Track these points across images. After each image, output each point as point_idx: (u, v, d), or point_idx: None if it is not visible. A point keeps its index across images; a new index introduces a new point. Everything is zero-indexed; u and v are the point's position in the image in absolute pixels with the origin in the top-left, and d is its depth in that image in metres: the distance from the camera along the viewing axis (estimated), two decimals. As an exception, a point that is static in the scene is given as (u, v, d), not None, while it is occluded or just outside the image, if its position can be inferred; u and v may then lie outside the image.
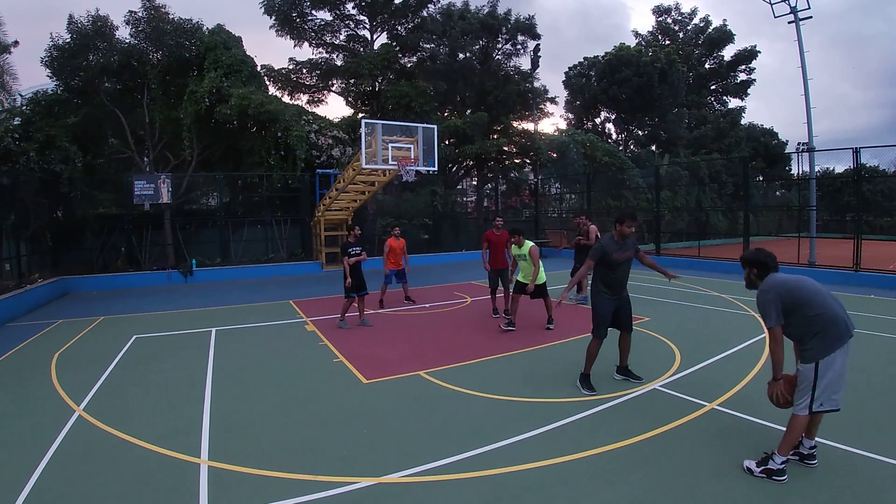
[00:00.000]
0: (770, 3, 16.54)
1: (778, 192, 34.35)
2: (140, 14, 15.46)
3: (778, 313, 3.10)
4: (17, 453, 3.73)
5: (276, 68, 22.59)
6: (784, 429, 3.24)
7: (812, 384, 3.08)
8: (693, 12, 36.25)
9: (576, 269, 9.74)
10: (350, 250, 7.58)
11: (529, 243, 7.03)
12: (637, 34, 37.40)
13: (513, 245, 7.23)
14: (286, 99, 21.79)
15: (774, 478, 3.12)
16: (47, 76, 15.10)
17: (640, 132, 32.39)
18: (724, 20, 39.10)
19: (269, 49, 75.56)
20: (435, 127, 12.28)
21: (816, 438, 3.37)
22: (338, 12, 22.66)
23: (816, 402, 3.08)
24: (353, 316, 8.08)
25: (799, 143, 22.94)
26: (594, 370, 4.91)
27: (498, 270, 8.18)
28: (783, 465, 3.13)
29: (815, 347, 3.07)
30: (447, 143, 20.64)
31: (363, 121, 11.54)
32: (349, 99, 23.35)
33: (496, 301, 8.49)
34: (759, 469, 3.18)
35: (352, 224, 9.07)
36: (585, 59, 31.65)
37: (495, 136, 23.09)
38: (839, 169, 26.47)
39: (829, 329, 3.04)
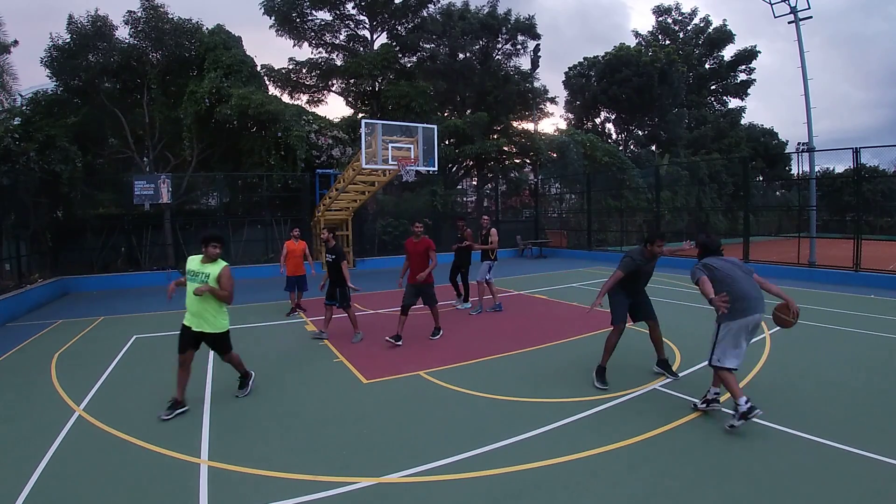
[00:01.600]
0: (770, 3, 16.54)
1: (778, 192, 34.35)
2: (139, 14, 15.46)
3: (702, 275, 3.96)
4: (18, 453, 3.73)
5: (276, 68, 22.60)
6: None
7: (714, 340, 3.98)
8: (693, 12, 36.32)
9: (456, 272, 9.24)
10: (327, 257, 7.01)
11: (222, 262, 4.60)
12: (637, 34, 37.46)
13: (194, 259, 4.66)
14: (286, 99, 21.81)
15: (751, 416, 3.62)
16: (47, 76, 15.11)
17: (640, 132, 32.40)
18: (724, 20, 39.18)
19: (269, 49, 75.60)
20: (435, 127, 12.29)
21: (816, 438, 3.49)
22: (338, 12, 22.65)
23: (714, 357, 3.95)
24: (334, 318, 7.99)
25: (799, 143, 22.89)
26: (591, 369, 4.92)
27: (414, 285, 6.72)
28: (748, 404, 3.65)
29: (721, 313, 3.87)
30: (447, 143, 20.63)
31: (363, 121, 11.55)
32: (349, 99, 23.35)
33: (403, 325, 6.79)
34: (738, 419, 3.66)
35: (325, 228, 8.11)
36: (585, 59, 31.66)
37: (495, 136, 23.09)
38: (839, 169, 26.55)
39: (734, 304, 3.79)
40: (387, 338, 6.63)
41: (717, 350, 3.93)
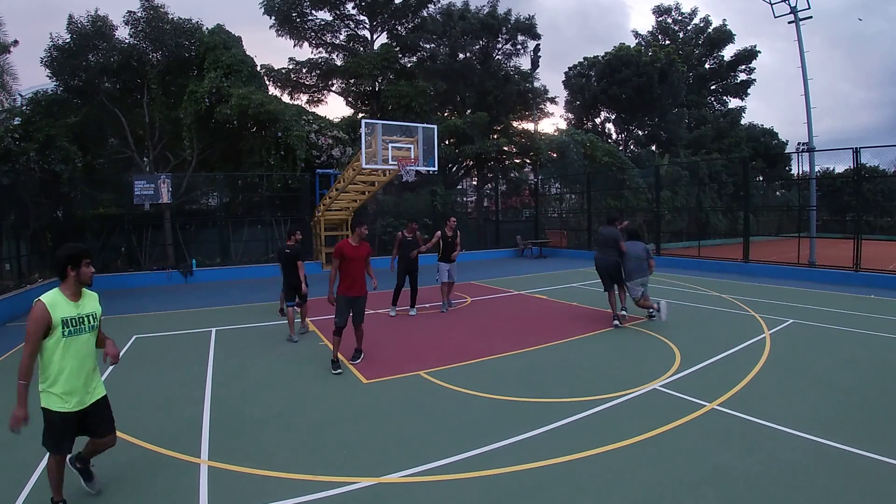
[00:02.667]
0: (770, 3, 16.54)
1: (778, 192, 34.34)
2: (139, 14, 15.47)
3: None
4: (18, 453, 3.74)
5: (276, 68, 22.59)
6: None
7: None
8: (693, 12, 36.29)
9: (404, 277, 8.85)
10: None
11: (91, 291, 3.04)
12: (637, 34, 37.45)
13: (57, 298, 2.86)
14: (286, 99, 21.81)
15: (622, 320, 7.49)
16: (47, 76, 15.11)
17: (640, 132, 32.38)
18: (724, 20, 39.11)
19: (269, 49, 75.48)
20: (435, 127, 12.28)
21: (816, 438, 3.45)
22: (338, 12, 22.65)
23: (632, 295, 7.60)
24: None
25: (799, 143, 22.96)
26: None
27: (353, 299, 5.63)
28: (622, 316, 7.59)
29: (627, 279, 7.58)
30: (447, 143, 20.63)
31: (363, 121, 11.55)
32: (349, 99, 23.35)
33: (340, 346, 5.70)
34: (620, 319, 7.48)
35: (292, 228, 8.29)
36: (585, 59, 31.65)
37: (495, 136, 23.09)
38: (839, 169, 26.43)
39: (629, 274, 7.49)
40: (334, 371, 5.53)
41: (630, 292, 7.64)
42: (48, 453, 2.94)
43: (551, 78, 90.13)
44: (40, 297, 2.79)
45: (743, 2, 67.58)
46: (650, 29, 37.55)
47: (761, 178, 33.49)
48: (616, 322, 7.41)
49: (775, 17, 16.71)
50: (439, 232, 9.13)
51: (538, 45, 24.19)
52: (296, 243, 7.57)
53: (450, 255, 8.92)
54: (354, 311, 5.72)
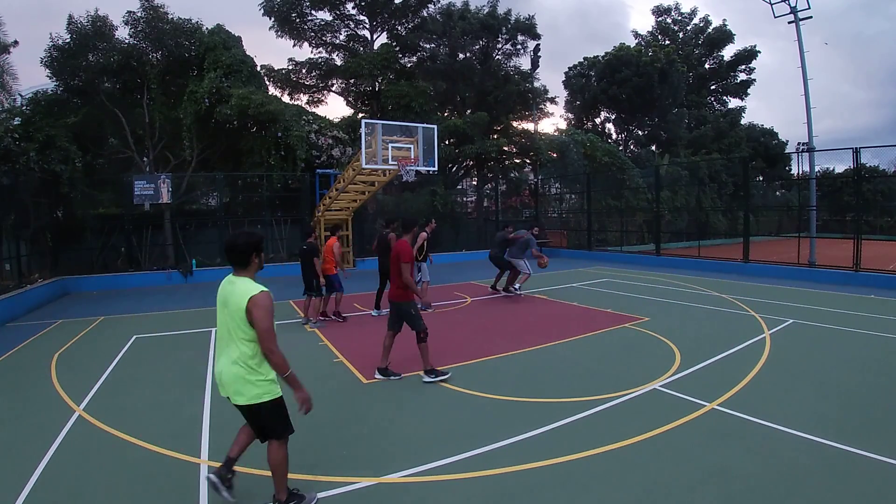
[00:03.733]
0: (770, 3, 16.55)
1: (778, 192, 34.33)
2: (139, 14, 15.46)
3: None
4: (18, 453, 3.73)
5: (275, 68, 22.54)
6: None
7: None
8: (693, 12, 36.28)
9: (377, 285, 8.92)
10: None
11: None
12: (637, 34, 37.41)
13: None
14: (286, 99, 21.77)
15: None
16: (47, 76, 15.09)
17: (640, 132, 32.37)
18: (724, 20, 39.09)
19: (269, 49, 75.62)
20: (435, 127, 12.27)
21: (816, 438, 3.45)
22: (337, 12, 22.62)
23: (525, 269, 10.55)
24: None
25: (799, 143, 22.92)
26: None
27: (399, 304, 5.34)
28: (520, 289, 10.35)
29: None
30: (447, 143, 20.61)
31: (363, 121, 11.54)
32: (349, 99, 23.33)
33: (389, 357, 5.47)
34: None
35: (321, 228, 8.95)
36: (585, 59, 31.65)
37: (495, 136, 23.07)
38: (839, 169, 26.37)
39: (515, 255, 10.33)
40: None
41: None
42: (279, 446, 3.05)
43: (551, 78, 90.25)
44: (260, 288, 2.73)
45: (743, 2, 67.70)
46: (650, 29, 37.57)
47: (761, 178, 33.46)
48: (513, 291, 10.50)
49: (775, 17, 16.74)
50: (424, 234, 9.26)
51: (538, 45, 24.18)
52: (315, 240, 8.29)
53: (427, 256, 9.40)
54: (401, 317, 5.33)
